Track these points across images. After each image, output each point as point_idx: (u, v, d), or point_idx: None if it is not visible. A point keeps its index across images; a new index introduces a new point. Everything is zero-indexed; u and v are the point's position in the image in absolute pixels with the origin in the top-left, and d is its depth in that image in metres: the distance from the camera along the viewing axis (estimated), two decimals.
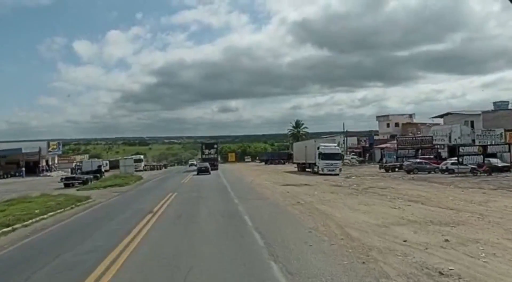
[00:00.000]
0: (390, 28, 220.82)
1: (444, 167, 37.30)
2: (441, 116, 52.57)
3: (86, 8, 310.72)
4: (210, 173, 48.38)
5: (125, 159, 49.12)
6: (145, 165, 78.40)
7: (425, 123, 70.51)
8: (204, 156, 64.27)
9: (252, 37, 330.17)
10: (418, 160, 40.49)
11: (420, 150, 45.55)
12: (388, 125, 75.07)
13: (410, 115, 75.09)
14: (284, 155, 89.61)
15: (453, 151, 47.74)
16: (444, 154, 46.65)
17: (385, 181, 31.74)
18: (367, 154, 68.43)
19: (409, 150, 45.72)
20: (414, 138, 46.48)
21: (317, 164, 42.53)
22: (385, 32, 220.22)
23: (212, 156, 64.07)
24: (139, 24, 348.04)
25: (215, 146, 66.67)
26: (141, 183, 36.48)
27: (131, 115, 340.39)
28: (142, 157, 79.19)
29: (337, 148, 43.50)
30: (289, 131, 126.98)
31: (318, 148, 42.52)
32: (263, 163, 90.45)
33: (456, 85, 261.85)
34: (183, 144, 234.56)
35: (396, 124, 73.78)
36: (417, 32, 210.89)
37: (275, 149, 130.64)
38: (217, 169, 58.48)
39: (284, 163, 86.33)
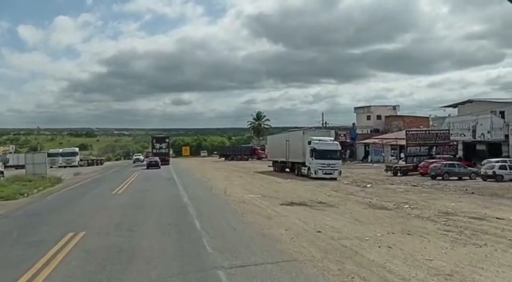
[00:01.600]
0: (344, 26, 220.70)
1: (489, 172, 26.73)
2: (455, 105, 42.36)
3: None
4: (160, 167, 47.79)
5: (34, 154, 35.23)
6: (81, 160, 64.06)
7: (413, 116, 61.03)
8: (155, 150, 60.08)
9: (207, 29, 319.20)
10: (449, 162, 29.85)
11: (435, 147, 35.12)
12: (368, 117, 65.08)
13: (394, 107, 65.37)
14: (246, 150, 77.77)
15: (470, 148, 37.81)
16: (459, 152, 36.57)
17: (432, 194, 20.63)
18: (347, 151, 58.16)
19: (421, 147, 35.14)
20: (428, 132, 36.00)
21: (307, 163, 31.09)
22: (339, 30, 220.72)
23: (163, 150, 60.13)
24: (89, 11, 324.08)
25: (167, 140, 63.35)
26: (50, 192, 23.25)
27: (79, 106, 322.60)
28: (76, 149, 64.73)
29: (336, 142, 32.19)
30: (250, 124, 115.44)
31: (310, 143, 31.05)
32: (223, 158, 78.35)
33: (405, 84, 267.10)
34: (134, 136, 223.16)
35: (378, 117, 63.85)
36: (370, 31, 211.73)
37: (233, 143, 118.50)
38: (168, 164, 55.34)
39: (247, 159, 74.61)
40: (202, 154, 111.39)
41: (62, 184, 27.68)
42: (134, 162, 65.35)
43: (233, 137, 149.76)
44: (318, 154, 30.03)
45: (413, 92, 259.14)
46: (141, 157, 67.32)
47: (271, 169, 41.26)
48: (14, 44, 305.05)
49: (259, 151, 78.51)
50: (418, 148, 35.18)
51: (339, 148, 31.60)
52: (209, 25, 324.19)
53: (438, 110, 61.35)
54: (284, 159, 37.44)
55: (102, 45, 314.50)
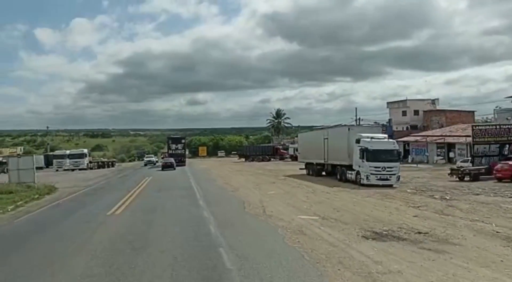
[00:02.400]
0: (359, 23, 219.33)
1: None
2: None
3: None
4: (175, 169, 46.71)
5: (20, 157, 29.57)
6: (90, 162, 58.73)
7: (456, 111, 54.38)
8: (170, 151, 58.46)
9: (222, 29, 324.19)
10: None
11: (508, 145, 28.65)
12: (404, 113, 58.45)
13: (433, 101, 58.59)
14: (268, 150, 71.72)
15: None
16: None
17: None
18: None
19: (491, 145, 28.69)
20: (499, 127, 29.52)
21: (356, 166, 24.94)
22: (354, 27, 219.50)
23: (179, 151, 58.75)
24: (105, 13, 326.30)
25: (183, 141, 61.40)
26: (28, 209, 17.37)
27: (96, 107, 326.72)
28: (85, 150, 59.28)
29: (392, 141, 25.99)
30: (269, 122, 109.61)
31: (359, 141, 24.90)
32: (243, 159, 72.44)
33: (421, 82, 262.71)
34: (149, 137, 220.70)
35: (416, 112, 57.20)
36: (385, 28, 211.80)
37: (252, 142, 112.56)
38: (184, 165, 54.36)
39: (269, 159, 68.60)
40: (219, 154, 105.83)
41: (53, 195, 22.03)
42: (145, 164, 59.89)
43: (250, 137, 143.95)
44: (371, 155, 23.85)
45: (430, 89, 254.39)
46: (154, 159, 62.39)
47: (303, 172, 35.19)
48: (32, 47, 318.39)
49: (282, 150, 72.48)
50: (487, 146, 28.71)
51: (397, 147, 25.29)
52: (223, 25, 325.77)
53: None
54: (321, 161, 31.32)
55: (118, 46, 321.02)
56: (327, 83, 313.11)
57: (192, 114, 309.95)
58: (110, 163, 64.63)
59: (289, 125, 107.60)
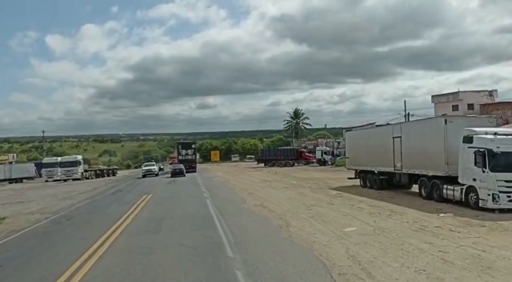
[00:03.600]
0: (369, 24, 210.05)
1: None
2: None
3: (60, 0, 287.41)
4: (185, 175, 43.63)
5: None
6: (85, 170, 49.88)
7: None
8: (180, 157, 55.56)
9: (231, 33, 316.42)
10: None
11: None
12: (455, 107, 48.86)
13: (490, 93, 48.91)
14: (291, 153, 62.25)
15: None
16: None
17: None
18: None
19: None
20: None
21: (467, 179, 15.61)
22: (364, 28, 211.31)
23: (189, 157, 55.75)
24: (114, 18, 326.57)
25: (193, 146, 58.72)
26: None
27: (106, 112, 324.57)
28: (79, 157, 50.22)
29: None
30: (286, 123, 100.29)
31: (471, 139, 15.63)
32: (262, 164, 63.21)
33: (433, 82, 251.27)
34: (159, 141, 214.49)
35: (470, 106, 47.58)
36: (395, 28, 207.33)
37: (268, 145, 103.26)
38: (195, 171, 51.46)
39: (293, 164, 59.32)
40: (233, 159, 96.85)
41: None
42: (143, 173, 47.77)
43: (265, 139, 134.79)
44: (501, 161, 14.57)
45: (442, 89, 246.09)
46: (155, 168, 50.58)
47: (354, 182, 26.01)
48: (43, 54, 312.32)
49: (307, 154, 63.17)
50: None
51: None
52: (232, 28, 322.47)
53: None
54: (388, 169, 22.01)
55: (127, 51, 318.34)
56: (337, 84, 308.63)
57: (202, 118, 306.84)
58: (110, 171, 55.86)
59: (309, 126, 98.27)
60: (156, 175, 47.96)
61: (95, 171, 52.15)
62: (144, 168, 49.54)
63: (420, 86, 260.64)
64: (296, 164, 59.68)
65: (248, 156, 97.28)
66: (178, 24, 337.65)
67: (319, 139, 72.68)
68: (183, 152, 55.94)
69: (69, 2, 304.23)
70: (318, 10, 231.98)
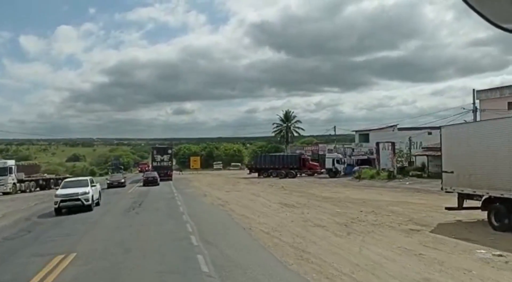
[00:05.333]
0: (347, 34, 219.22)
1: None
2: None
3: (35, 0, 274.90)
4: (158, 184, 38.91)
5: None
6: (22, 180, 35.73)
7: None
8: (155, 164, 50.78)
9: (210, 38, 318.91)
10: None
11: None
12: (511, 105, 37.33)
13: None
14: (292, 161, 49.27)
15: None
16: None
17: None
18: None
19: None
20: None
21: None
22: (342, 38, 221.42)
23: (165, 163, 50.40)
24: (91, 20, 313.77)
25: (169, 151, 52.97)
26: None
27: (80, 116, 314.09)
28: (10, 162, 34.88)
29: None
30: (276, 127, 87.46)
31: None
32: (255, 174, 50.33)
33: (408, 92, 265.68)
34: (133, 146, 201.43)
35: None
36: (373, 38, 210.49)
37: (255, 151, 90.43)
38: (170, 179, 46.26)
39: (295, 175, 46.69)
40: (215, 166, 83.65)
41: None
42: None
43: (248, 145, 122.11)
44: None
45: (415, 100, 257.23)
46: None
47: (453, 214, 13.70)
48: (16, 55, 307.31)
49: (311, 162, 50.64)
50: None
51: None
52: (211, 34, 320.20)
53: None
54: None
55: (104, 54, 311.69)
56: (314, 93, 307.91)
57: (178, 123, 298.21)
58: (60, 181, 41.94)
59: (301, 131, 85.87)
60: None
61: (37, 181, 38.17)
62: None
63: (395, 97, 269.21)
64: (298, 174, 47.07)
65: (232, 163, 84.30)
66: (156, 28, 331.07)
67: (320, 145, 60.30)
68: (158, 157, 50.49)
69: (45, 2, 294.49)
70: (297, 18, 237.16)
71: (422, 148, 39.78)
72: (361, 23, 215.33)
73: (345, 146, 53.18)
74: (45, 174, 42.07)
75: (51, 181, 40.22)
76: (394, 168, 36.61)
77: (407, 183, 32.67)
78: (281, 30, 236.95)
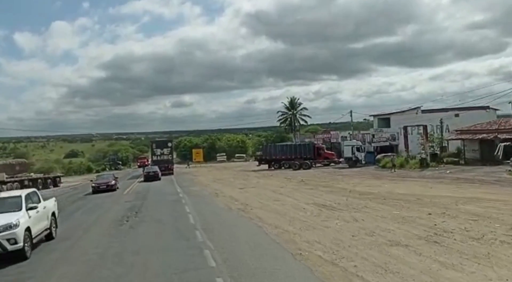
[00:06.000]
0: (343, 21, 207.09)
1: None
2: None
3: None
4: (160, 179, 37.00)
5: None
6: (3, 182, 31.00)
7: None
8: (155, 158, 48.12)
9: (206, 29, 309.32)
10: None
11: None
12: None
13: None
14: (306, 151, 44.48)
15: None
16: None
17: None
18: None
19: None
20: None
21: None
22: (339, 25, 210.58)
23: (165, 157, 47.75)
24: (86, 15, 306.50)
25: (169, 144, 50.54)
26: None
27: (79, 112, 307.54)
28: None
29: None
30: (281, 115, 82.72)
31: None
32: (265, 165, 45.77)
33: (406, 78, 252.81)
34: (132, 140, 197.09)
35: None
36: (370, 24, 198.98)
37: (261, 141, 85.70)
38: (172, 173, 44.43)
39: (310, 166, 42.14)
40: (219, 158, 79.01)
41: None
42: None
43: (250, 135, 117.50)
44: None
45: (414, 86, 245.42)
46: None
47: None
48: (11, 52, 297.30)
49: (327, 151, 46.04)
50: None
51: None
52: (207, 25, 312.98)
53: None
54: None
55: (100, 49, 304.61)
56: (312, 82, 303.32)
57: (177, 116, 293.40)
58: (50, 181, 37.42)
59: (307, 117, 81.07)
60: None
61: (22, 181, 33.47)
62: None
63: (393, 83, 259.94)
64: (315, 165, 42.45)
65: (237, 155, 79.70)
66: (151, 21, 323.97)
67: (332, 132, 55.57)
68: (158, 151, 48.25)
69: None
70: (293, 7, 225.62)
71: (455, 130, 35.17)
72: (357, 9, 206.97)
73: (361, 132, 48.54)
74: (32, 174, 37.38)
75: (39, 181, 35.53)
76: (427, 155, 32.02)
77: (448, 171, 28.10)
78: (277, 19, 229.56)
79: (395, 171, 30.64)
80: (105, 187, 28.02)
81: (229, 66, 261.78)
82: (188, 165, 64.63)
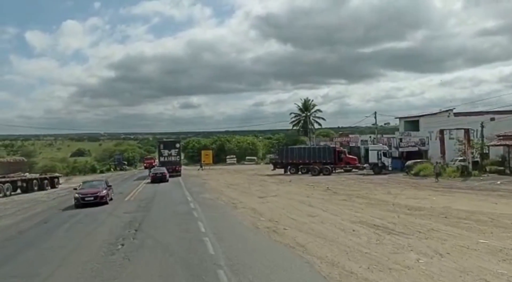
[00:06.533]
0: (354, 25, 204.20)
1: None
2: None
3: None
4: (168, 181, 35.68)
5: None
6: None
7: None
8: (162, 159, 45.69)
9: (216, 31, 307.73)
10: None
11: None
12: None
13: None
14: (326, 155, 40.70)
15: None
16: None
17: None
18: None
19: None
20: None
21: None
22: (349, 29, 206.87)
23: (173, 158, 45.49)
24: (97, 15, 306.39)
25: (177, 145, 47.85)
26: None
27: (88, 111, 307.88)
28: None
29: None
30: (294, 117, 79.30)
31: None
32: (281, 170, 42.09)
33: (415, 84, 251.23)
34: (140, 140, 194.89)
35: None
36: (380, 29, 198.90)
37: (272, 144, 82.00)
38: (179, 175, 42.91)
39: (331, 172, 38.43)
40: (229, 160, 75.50)
41: None
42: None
43: (260, 137, 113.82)
44: None
45: (424, 91, 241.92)
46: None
47: None
48: (22, 51, 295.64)
49: (349, 156, 42.27)
50: None
51: None
52: (217, 27, 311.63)
53: None
54: None
55: (110, 49, 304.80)
56: (321, 85, 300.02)
57: (185, 118, 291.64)
58: (46, 182, 34.02)
59: (321, 120, 77.58)
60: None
61: (15, 182, 30.07)
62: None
63: (402, 88, 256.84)
64: (335, 170, 38.70)
65: (247, 157, 76.12)
66: (162, 22, 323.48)
67: (351, 136, 51.77)
68: (165, 152, 46.20)
69: None
70: (303, 10, 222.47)
71: (497, 135, 31.27)
72: (368, 13, 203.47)
73: (384, 136, 44.69)
74: (27, 174, 34.00)
75: (34, 181, 32.10)
76: (469, 162, 28.19)
77: (498, 182, 24.28)
78: (287, 23, 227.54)
79: (438, 181, 26.77)
80: (92, 198, 20.41)
81: (238, 68, 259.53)
82: (201, 167, 60.99)
